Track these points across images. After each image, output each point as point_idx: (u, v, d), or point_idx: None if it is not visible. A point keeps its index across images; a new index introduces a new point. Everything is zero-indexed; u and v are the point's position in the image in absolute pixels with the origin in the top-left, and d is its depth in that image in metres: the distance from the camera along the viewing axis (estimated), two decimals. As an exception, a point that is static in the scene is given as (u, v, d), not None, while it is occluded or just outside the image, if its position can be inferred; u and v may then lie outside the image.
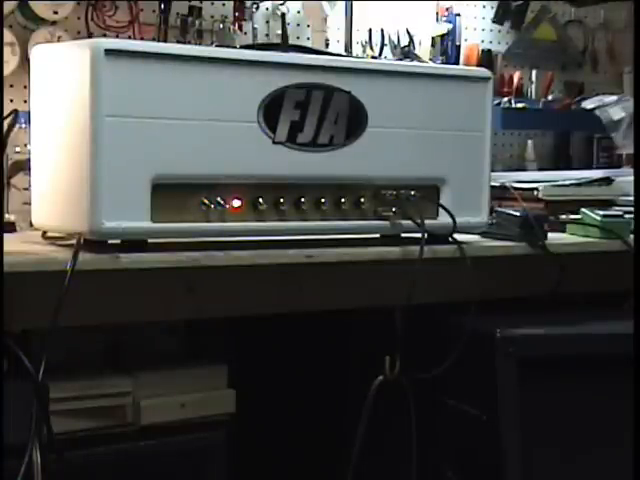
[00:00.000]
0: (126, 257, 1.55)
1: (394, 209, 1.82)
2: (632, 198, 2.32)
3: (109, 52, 1.53)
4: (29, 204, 1.75)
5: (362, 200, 1.80)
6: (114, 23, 2.41)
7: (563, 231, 2.19)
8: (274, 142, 1.70)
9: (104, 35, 2.38)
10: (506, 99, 2.98)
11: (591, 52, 3.35)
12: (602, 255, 2.08)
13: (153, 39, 2.42)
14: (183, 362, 1.83)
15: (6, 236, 1.66)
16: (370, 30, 2.84)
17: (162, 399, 1.75)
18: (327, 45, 2.73)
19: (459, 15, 2.99)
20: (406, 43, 2.87)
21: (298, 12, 2.75)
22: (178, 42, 2.43)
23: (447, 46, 2.95)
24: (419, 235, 1.80)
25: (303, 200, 1.74)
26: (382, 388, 1.79)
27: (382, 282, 1.81)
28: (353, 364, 2.10)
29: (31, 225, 1.77)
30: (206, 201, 1.65)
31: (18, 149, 1.99)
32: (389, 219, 1.81)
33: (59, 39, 2.27)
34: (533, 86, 3.15)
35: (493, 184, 2.00)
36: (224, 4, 2.60)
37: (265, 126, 1.69)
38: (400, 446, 1.85)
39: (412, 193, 1.85)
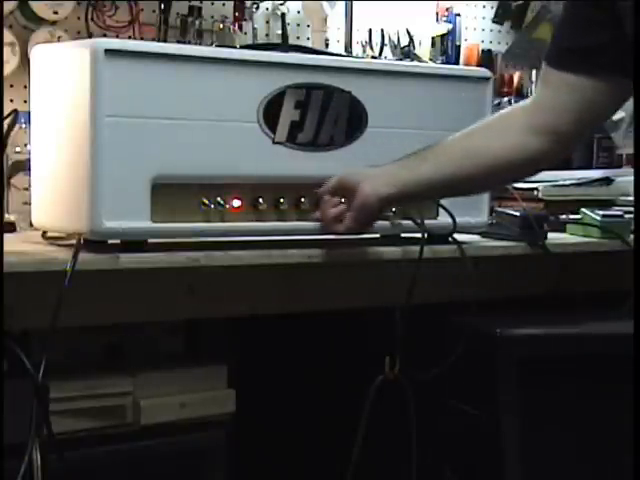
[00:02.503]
0: (126, 257, 1.55)
1: (394, 209, 1.82)
2: (632, 198, 2.32)
3: (109, 52, 1.53)
4: (29, 204, 1.75)
5: (362, 200, 1.80)
6: (114, 23, 2.41)
7: (563, 231, 2.18)
8: (274, 142, 1.70)
9: (104, 35, 2.38)
10: (506, 99, 2.97)
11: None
12: (602, 255, 2.08)
13: (153, 39, 2.42)
14: (183, 362, 1.82)
15: (6, 236, 1.66)
16: (370, 30, 2.84)
17: (162, 399, 1.75)
18: (327, 45, 2.73)
19: (459, 15, 2.99)
20: (406, 43, 2.87)
21: (298, 12, 2.75)
22: (178, 42, 2.43)
23: (447, 46, 2.95)
24: (419, 235, 1.80)
25: (303, 200, 1.74)
26: (382, 388, 1.78)
27: (382, 282, 1.81)
28: (353, 364, 2.10)
29: (31, 225, 1.77)
30: (206, 201, 1.65)
31: (18, 149, 1.99)
32: (389, 219, 1.81)
33: (59, 39, 2.27)
34: (533, 86, 3.14)
35: (493, 184, 2.00)
36: (224, 4, 2.59)
37: (265, 126, 1.69)
38: (400, 446, 1.85)
39: (412, 193, 1.84)
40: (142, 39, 2.40)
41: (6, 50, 2.20)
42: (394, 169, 1.69)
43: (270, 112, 1.69)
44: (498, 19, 3.15)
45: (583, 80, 1.55)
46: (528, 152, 1.63)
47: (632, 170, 2.50)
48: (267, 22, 2.69)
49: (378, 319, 1.82)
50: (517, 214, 2.01)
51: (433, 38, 2.93)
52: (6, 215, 1.88)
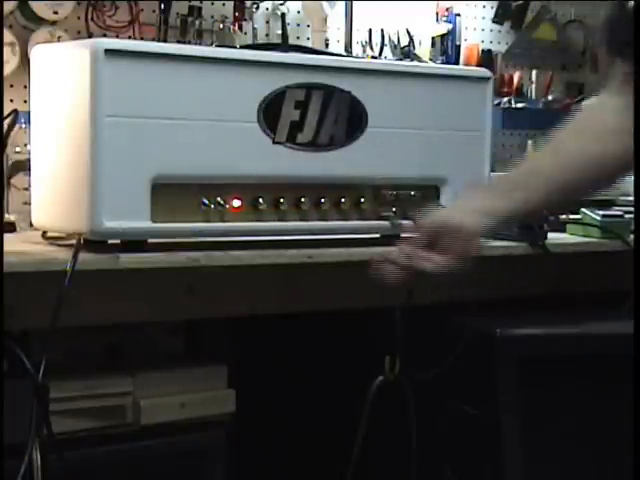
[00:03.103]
0: (126, 257, 1.55)
1: (394, 209, 1.82)
2: (632, 198, 2.32)
3: (109, 52, 1.53)
4: (29, 204, 1.75)
5: (362, 200, 1.80)
6: (114, 23, 2.40)
7: (563, 231, 2.18)
8: (274, 142, 1.70)
9: (104, 35, 2.37)
10: (506, 99, 2.98)
11: (591, 52, 3.35)
12: (602, 255, 2.08)
13: (153, 39, 2.41)
14: (183, 362, 1.83)
15: (6, 236, 1.66)
16: (370, 30, 2.83)
17: (162, 399, 1.75)
18: (327, 45, 2.73)
19: (459, 15, 2.99)
20: (406, 43, 2.87)
21: (298, 12, 2.75)
22: (178, 42, 2.43)
23: (447, 46, 2.95)
24: (419, 235, 1.79)
25: (303, 200, 1.74)
26: (382, 388, 1.78)
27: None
28: (353, 364, 2.10)
29: (31, 225, 1.77)
30: (206, 201, 1.65)
31: (18, 149, 1.99)
32: (389, 219, 1.81)
33: (59, 39, 2.27)
34: (533, 86, 3.14)
35: (493, 184, 2.00)
36: (224, 4, 2.59)
37: (265, 126, 1.69)
38: (400, 446, 1.85)
39: (412, 193, 1.85)
40: (142, 39, 2.40)
41: (6, 50, 2.19)
42: (488, 200, 1.51)
43: (270, 112, 1.69)
44: (498, 19, 3.15)
45: None
46: (628, 156, 1.51)
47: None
48: (267, 22, 2.69)
49: (378, 319, 1.82)
50: (517, 214, 2.01)
51: (433, 38, 2.93)
52: (6, 215, 1.88)
